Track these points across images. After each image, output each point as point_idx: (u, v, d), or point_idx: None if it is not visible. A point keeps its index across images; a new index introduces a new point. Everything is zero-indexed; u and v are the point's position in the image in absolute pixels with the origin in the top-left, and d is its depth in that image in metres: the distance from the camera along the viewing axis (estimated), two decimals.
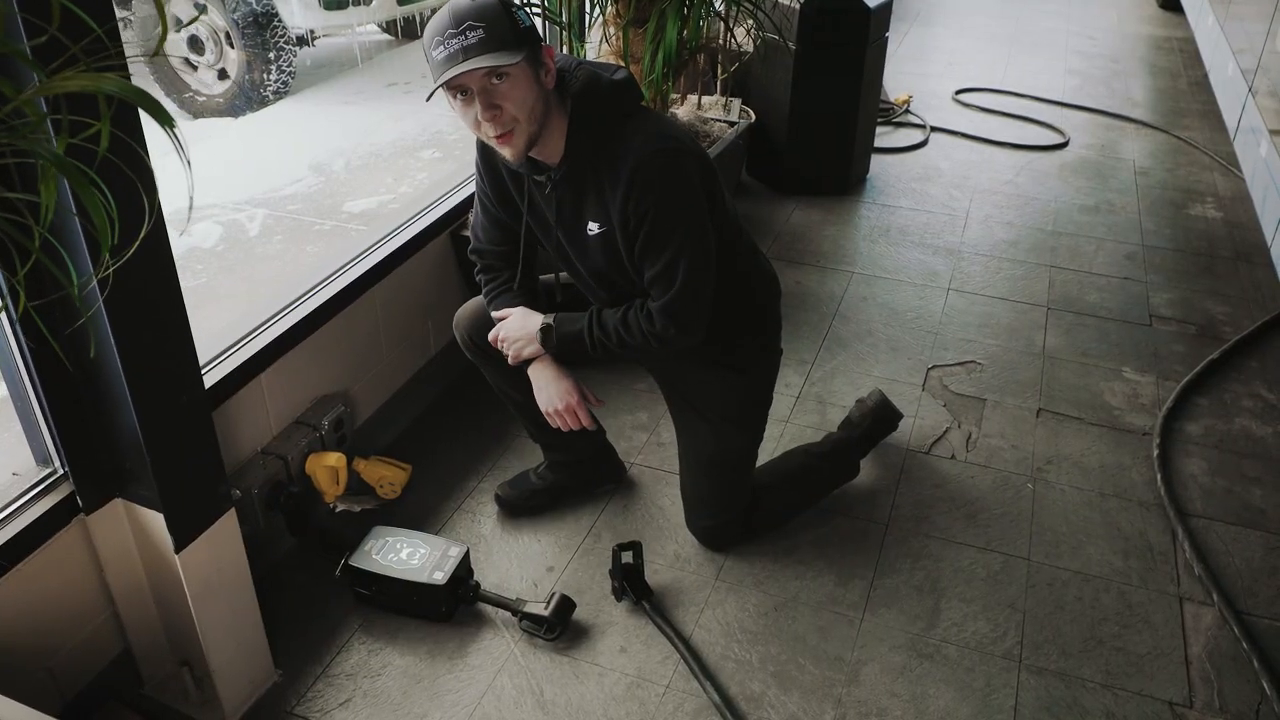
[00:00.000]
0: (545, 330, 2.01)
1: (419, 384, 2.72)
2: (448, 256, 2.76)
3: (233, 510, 1.77)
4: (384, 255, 2.49)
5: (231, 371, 2.06)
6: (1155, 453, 2.62)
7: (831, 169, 4.06)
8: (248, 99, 5.14)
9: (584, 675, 2.01)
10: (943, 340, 3.13)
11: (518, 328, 2.04)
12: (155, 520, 1.69)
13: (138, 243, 1.20)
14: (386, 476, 2.41)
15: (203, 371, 2.03)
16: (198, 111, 5.31)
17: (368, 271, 2.43)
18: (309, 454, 2.23)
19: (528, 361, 2.06)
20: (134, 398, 1.52)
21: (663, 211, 1.83)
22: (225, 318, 2.27)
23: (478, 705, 1.95)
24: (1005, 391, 2.89)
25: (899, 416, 2.62)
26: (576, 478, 2.44)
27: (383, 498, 2.42)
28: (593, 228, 1.92)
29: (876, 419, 2.57)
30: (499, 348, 2.07)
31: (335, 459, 2.22)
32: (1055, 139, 4.68)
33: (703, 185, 1.87)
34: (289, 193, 4.42)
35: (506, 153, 1.80)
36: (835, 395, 2.85)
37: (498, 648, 2.07)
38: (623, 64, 3.03)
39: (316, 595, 2.18)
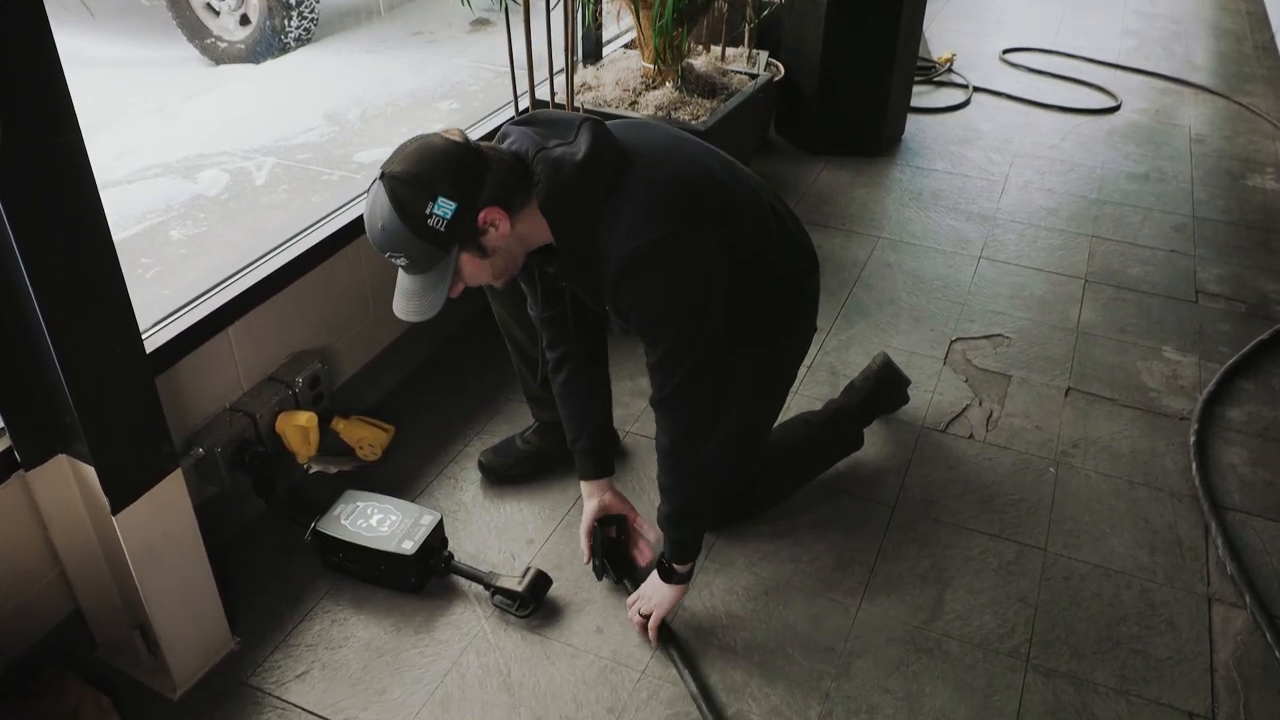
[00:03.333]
0: (670, 575, 1.89)
1: (408, 343, 2.60)
2: None
3: (179, 471, 1.66)
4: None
5: (197, 323, 1.95)
6: (1192, 439, 2.43)
7: (864, 128, 3.86)
8: (269, 45, 5.02)
9: (555, 656, 1.89)
10: (969, 311, 2.94)
11: (663, 598, 1.90)
12: (96, 479, 1.58)
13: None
14: (367, 438, 2.30)
15: (165, 322, 1.94)
16: (219, 58, 5.20)
17: (352, 222, 2.30)
18: (280, 412, 2.12)
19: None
20: (57, 348, 1.41)
21: (648, 312, 1.68)
22: (222, 269, 2.15)
23: (440, 684, 1.83)
24: (1033, 368, 2.71)
25: (906, 383, 2.46)
26: (564, 445, 2.30)
27: (362, 460, 2.31)
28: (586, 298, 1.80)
29: (880, 382, 2.41)
30: (652, 630, 1.92)
31: (306, 418, 2.11)
32: (1106, 102, 4.42)
33: (699, 263, 1.68)
34: (300, 141, 4.30)
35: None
36: (850, 366, 2.68)
37: (467, 623, 1.95)
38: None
39: (283, 561, 2.08)
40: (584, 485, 2.05)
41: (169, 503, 1.66)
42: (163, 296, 2.04)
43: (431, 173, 1.54)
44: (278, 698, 1.81)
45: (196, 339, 1.95)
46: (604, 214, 1.63)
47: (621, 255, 1.62)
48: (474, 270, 1.65)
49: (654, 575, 1.91)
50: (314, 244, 2.22)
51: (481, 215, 1.57)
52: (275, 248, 2.20)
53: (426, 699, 1.81)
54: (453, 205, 1.53)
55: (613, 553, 2.02)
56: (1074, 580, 2.08)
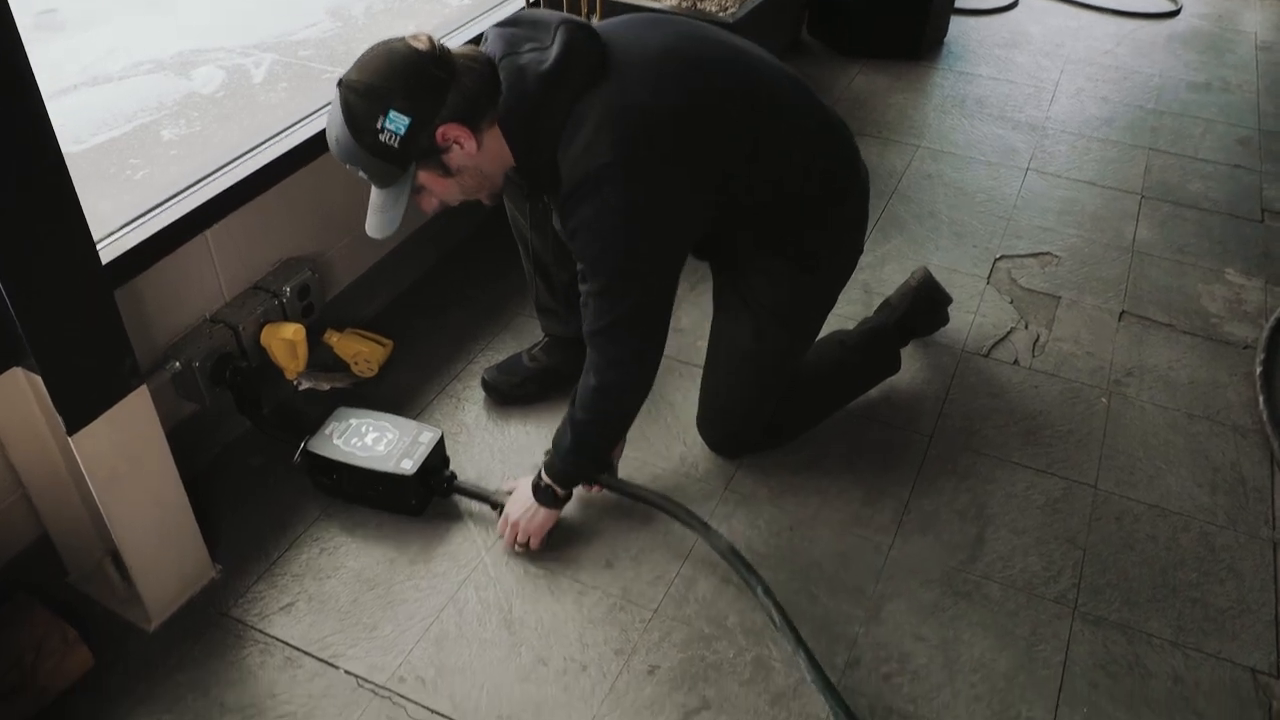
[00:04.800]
0: (538, 489, 1.76)
1: (409, 251, 2.41)
2: None
3: (144, 389, 1.50)
4: None
5: (171, 224, 1.77)
6: (1258, 369, 2.23)
7: (904, 30, 3.57)
8: None
9: (560, 592, 1.75)
10: (1015, 227, 2.72)
11: (520, 508, 1.78)
12: None
13: None
14: (363, 352, 2.13)
15: (136, 223, 1.76)
16: None
17: None
18: (265, 324, 1.95)
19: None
20: None
21: (588, 241, 1.52)
22: (209, 170, 1.97)
23: (435, 620, 1.70)
24: (1084, 289, 2.50)
25: (947, 301, 2.26)
26: (575, 361, 2.11)
27: (357, 376, 2.14)
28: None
29: (918, 299, 2.21)
30: (515, 545, 1.80)
31: (293, 331, 1.94)
32: (1165, 6, 4.11)
33: (653, 199, 1.49)
34: (301, 37, 4.04)
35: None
36: (885, 284, 2.48)
37: (466, 554, 1.81)
38: None
39: (269, 484, 1.93)
40: None
41: (133, 423, 1.50)
42: (150, 200, 1.88)
43: (387, 84, 1.40)
44: (260, 631, 1.67)
45: (171, 242, 1.77)
46: (565, 130, 1.46)
47: (570, 177, 1.46)
48: (441, 189, 1.53)
49: (524, 491, 1.77)
50: (305, 139, 2.02)
51: (440, 132, 1.44)
52: (262, 142, 2.01)
53: (420, 636, 1.67)
54: (406, 120, 1.40)
55: None
56: (1126, 521, 1.91)
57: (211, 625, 1.68)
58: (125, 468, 1.52)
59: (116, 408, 1.46)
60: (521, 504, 1.78)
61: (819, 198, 1.72)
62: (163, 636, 1.66)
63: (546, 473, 1.74)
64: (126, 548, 1.58)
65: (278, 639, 1.66)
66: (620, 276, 1.54)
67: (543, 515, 1.77)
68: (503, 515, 1.80)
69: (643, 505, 1.86)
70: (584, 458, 1.74)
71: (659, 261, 1.57)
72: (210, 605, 1.71)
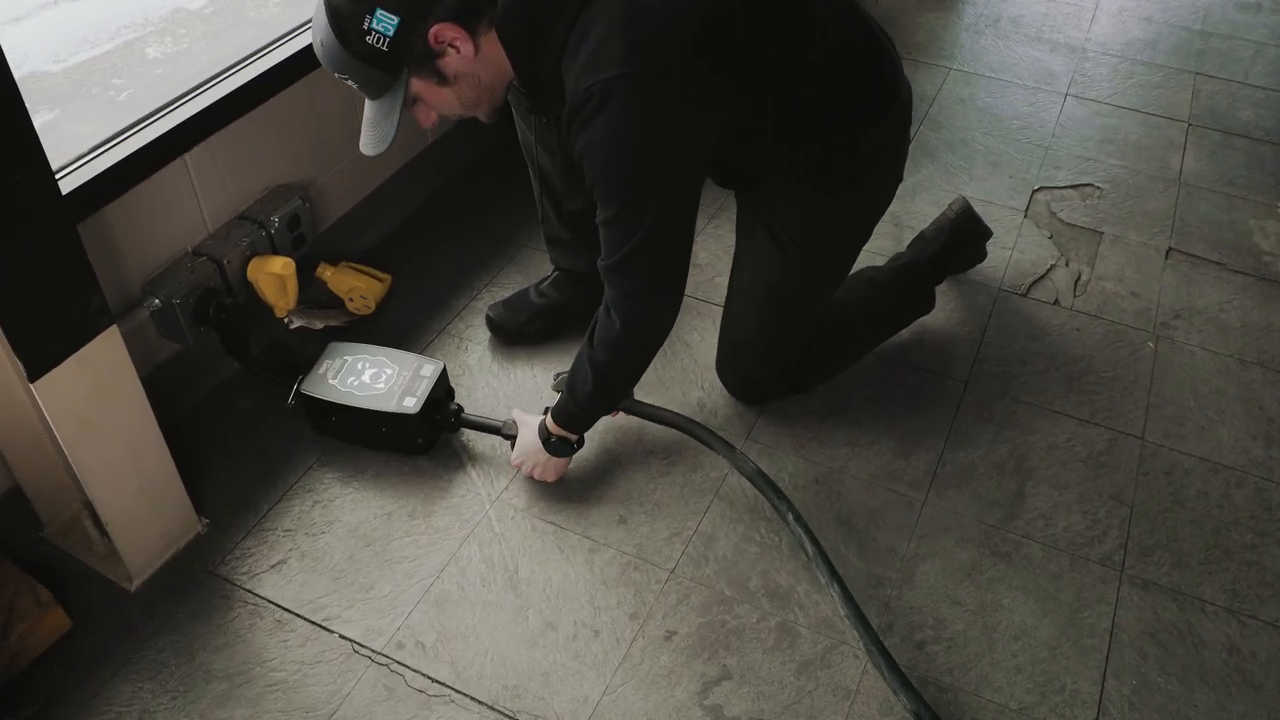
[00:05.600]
0: (547, 441, 1.63)
1: (408, 178, 2.25)
2: None
3: (114, 330, 1.36)
4: None
5: (145, 146, 1.61)
6: None
7: None
8: None
9: (570, 550, 1.63)
10: (1054, 157, 2.55)
11: (529, 449, 1.67)
12: None
13: None
14: (359, 288, 1.99)
15: (107, 146, 1.60)
16: None
17: None
18: (252, 257, 1.80)
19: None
20: None
21: (597, 163, 1.36)
22: None
23: (436, 579, 1.58)
24: (1128, 224, 2.34)
25: (986, 234, 2.11)
26: (586, 297, 1.98)
27: (352, 313, 2.00)
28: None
29: (956, 233, 2.06)
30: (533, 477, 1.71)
31: (282, 265, 1.79)
32: None
33: (663, 115, 1.33)
34: None
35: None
36: (916, 217, 2.32)
37: (469, 507, 1.69)
38: None
39: (261, 429, 1.81)
40: None
41: (104, 367, 1.36)
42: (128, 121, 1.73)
43: None
44: (249, 591, 1.56)
45: (145, 167, 1.62)
46: (570, 40, 1.31)
47: (575, 92, 1.31)
48: (438, 99, 1.39)
49: (530, 437, 1.65)
50: (294, 53, 1.85)
51: (433, 33, 1.30)
52: (246, 57, 1.85)
53: (420, 597, 1.56)
54: (394, 20, 1.27)
55: None
56: (1176, 476, 1.78)
57: (197, 584, 1.57)
58: (97, 416, 1.39)
59: (84, 351, 1.32)
60: (531, 455, 1.65)
61: (847, 117, 1.56)
62: (145, 596, 1.55)
63: (556, 419, 1.61)
64: (102, 503, 1.46)
65: (268, 600, 1.55)
66: (633, 201, 1.39)
67: (555, 463, 1.65)
68: (513, 458, 1.69)
69: (659, 453, 1.74)
70: (603, 402, 1.62)
71: (675, 183, 1.41)
72: (196, 563, 1.60)
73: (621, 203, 1.39)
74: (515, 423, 1.71)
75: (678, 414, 1.72)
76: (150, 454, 1.51)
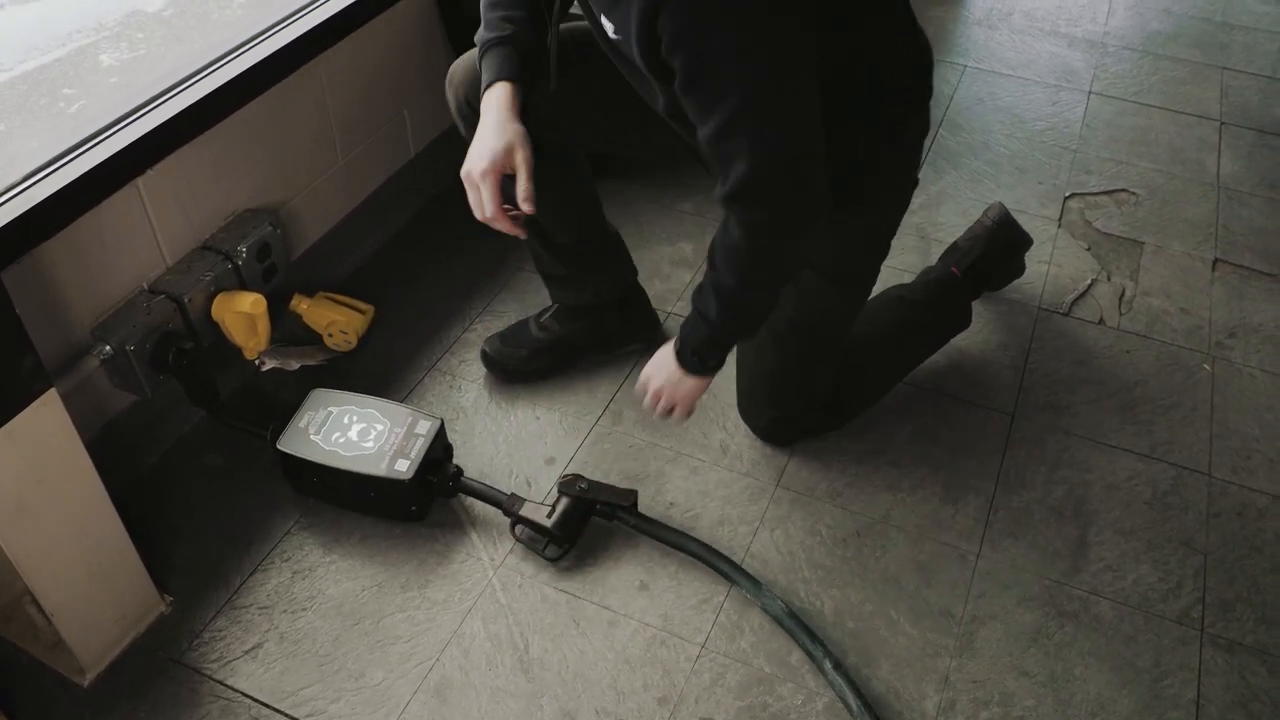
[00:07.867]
0: (682, 355, 1.40)
1: (389, 198, 2.05)
2: (432, 19, 2.03)
3: (53, 393, 1.16)
4: (336, 9, 1.76)
5: (89, 171, 1.40)
6: None
7: None
8: None
9: (587, 623, 1.44)
10: (1083, 160, 2.38)
11: (664, 373, 1.43)
12: None
13: None
14: (338, 321, 1.79)
15: (46, 172, 1.39)
16: None
17: (314, 30, 1.72)
18: (216, 294, 1.60)
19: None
20: None
21: (695, 52, 1.10)
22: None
23: (435, 662, 1.39)
24: (1168, 233, 2.17)
25: (1027, 243, 1.94)
26: (593, 331, 1.80)
27: (332, 350, 1.80)
28: (608, 28, 1.21)
29: (994, 242, 1.89)
30: (658, 412, 1.46)
31: (252, 301, 1.59)
32: None
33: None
34: None
35: None
36: (942, 228, 2.15)
37: (470, 574, 1.49)
38: None
39: (232, 488, 1.60)
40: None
41: (40, 438, 1.16)
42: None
43: None
44: (220, 682, 1.36)
45: (91, 195, 1.40)
46: None
47: None
48: None
49: (667, 356, 1.42)
50: (260, 59, 1.64)
51: None
52: (207, 66, 1.64)
53: (418, 685, 1.36)
54: None
55: (575, 511, 1.52)
56: (1250, 517, 1.61)
57: (161, 675, 1.36)
58: (33, 495, 1.18)
59: (14, 422, 1.12)
60: (664, 369, 1.43)
61: (878, 109, 1.35)
62: (100, 692, 1.34)
63: (687, 345, 1.39)
64: (44, 592, 1.25)
65: (243, 693, 1.34)
66: (750, 100, 1.13)
67: (690, 383, 1.42)
68: (641, 378, 1.46)
69: (680, 505, 1.55)
70: (738, 329, 1.43)
71: (797, 73, 1.15)
72: (159, 649, 1.39)
73: (739, 101, 1.13)
74: (520, 498, 1.51)
75: (697, 540, 1.50)
76: (100, 530, 1.30)
